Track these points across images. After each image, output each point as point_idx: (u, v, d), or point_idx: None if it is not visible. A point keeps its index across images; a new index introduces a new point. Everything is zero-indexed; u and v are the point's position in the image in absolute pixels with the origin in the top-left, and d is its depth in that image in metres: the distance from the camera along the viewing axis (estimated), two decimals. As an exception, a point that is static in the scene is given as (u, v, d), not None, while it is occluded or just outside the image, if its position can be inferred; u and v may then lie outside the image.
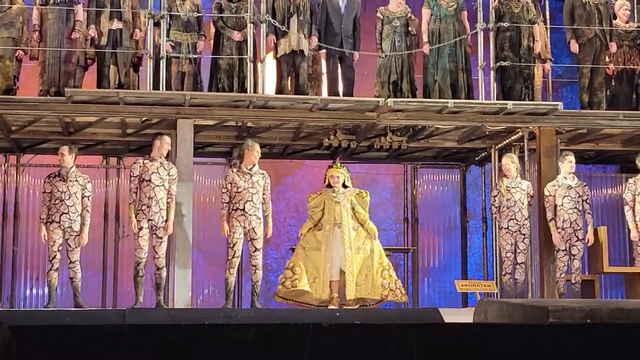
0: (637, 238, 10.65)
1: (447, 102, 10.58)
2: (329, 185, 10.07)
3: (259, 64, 10.79)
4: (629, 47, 11.73)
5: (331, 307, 9.58)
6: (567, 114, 11.13)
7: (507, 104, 10.73)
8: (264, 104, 10.59)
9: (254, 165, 10.18)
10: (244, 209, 10.05)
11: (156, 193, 9.96)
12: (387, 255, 10.23)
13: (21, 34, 10.71)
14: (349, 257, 9.85)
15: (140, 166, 10.12)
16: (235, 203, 10.09)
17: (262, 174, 10.24)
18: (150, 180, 9.98)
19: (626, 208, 10.76)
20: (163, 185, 10.05)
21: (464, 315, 6.97)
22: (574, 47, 11.39)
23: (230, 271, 10.19)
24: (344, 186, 10.16)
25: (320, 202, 10.05)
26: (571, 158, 10.61)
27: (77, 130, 11.15)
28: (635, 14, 12.51)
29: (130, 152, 12.17)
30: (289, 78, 10.94)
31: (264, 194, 10.20)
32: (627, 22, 11.76)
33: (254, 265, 10.18)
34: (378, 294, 9.87)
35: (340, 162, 10.53)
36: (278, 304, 10.57)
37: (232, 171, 10.29)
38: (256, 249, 10.12)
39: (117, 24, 10.68)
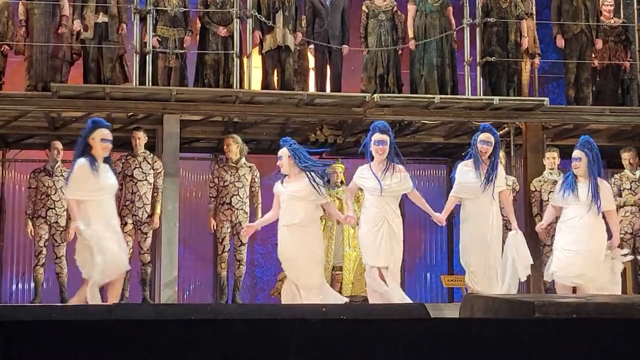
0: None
1: (434, 98, 10.59)
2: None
3: (244, 60, 10.78)
4: (614, 43, 11.76)
5: None
6: (553, 109, 11.16)
7: (493, 99, 10.75)
8: (250, 99, 10.58)
9: (240, 159, 10.20)
10: (230, 203, 10.07)
11: (139, 188, 9.96)
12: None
13: (6, 29, 10.66)
14: (347, 254, 9.89)
15: (122, 162, 10.14)
16: (222, 197, 10.12)
17: (250, 167, 10.27)
18: (132, 176, 10.00)
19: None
20: (146, 179, 10.04)
21: (450, 311, 7.01)
22: (560, 42, 11.42)
23: (222, 266, 10.23)
24: (341, 182, 10.23)
25: None
26: (550, 154, 10.65)
27: (63, 125, 11.11)
28: (621, 10, 12.54)
29: (116, 148, 12.10)
30: (275, 73, 10.93)
31: (252, 186, 10.23)
32: (610, 18, 11.78)
33: (239, 260, 10.22)
34: None
35: (332, 159, 10.54)
36: (265, 299, 10.59)
37: (219, 165, 10.32)
38: (242, 244, 10.16)
39: (102, 18, 10.63)
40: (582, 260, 8.61)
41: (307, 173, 8.12)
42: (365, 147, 8.49)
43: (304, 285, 8.12)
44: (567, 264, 8.67)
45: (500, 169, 8.93)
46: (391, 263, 8.31)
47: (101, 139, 7.88)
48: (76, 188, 7.74)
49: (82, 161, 7.74)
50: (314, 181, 8.10)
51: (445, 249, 13.44)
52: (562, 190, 8.83)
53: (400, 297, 8.28)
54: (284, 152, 8.21)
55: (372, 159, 8.43)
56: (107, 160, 8.00)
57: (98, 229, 7.64)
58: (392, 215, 8.36)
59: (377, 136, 8.34)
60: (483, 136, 8.77)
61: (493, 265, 8.74)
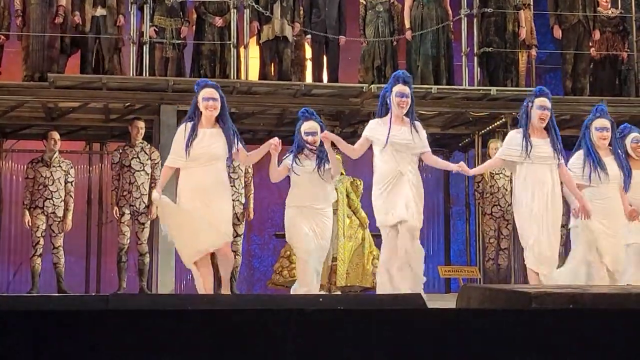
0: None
1: (431, 88, 10.59)
2: None
3: (241, 50, 10.77)
4: (612, 34, 11.75)
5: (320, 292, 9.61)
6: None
7: (490, 89, 10.75)
8: (247, 90, 10.57)
9: None
10: (225, 195, 10.07)
11: (137, 178, 9.97)
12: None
13: (2, 19, 10.64)
14: (341, 244, 9.90)
15: (120, 153, 10.15)
16: (217, 189, 10.11)
17: None
18: (130, 166, 10.00)
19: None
20: (144, 170, 10.05)
21: (447, 301, 7.00)
22: (557, 32, 11.42)
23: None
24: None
25: None
26: None
27: (60, 115, 11.10)
28: (619, 1, 12.53)
29: (113, 138, 12.13)
30: (272, 64, 10.92)
31: (245, 177, 10.25)
32: (607, 9, 11.77)
33: (234, 251, 10.23)
34: (369, 282, 9.91)
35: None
36: (262, 290, 10.60)
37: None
38: (237, 234, 10.17)
39: (100, 11, 10.64)
40: (620, 244, 7.83)
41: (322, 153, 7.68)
42: (384, 101, 7.62)
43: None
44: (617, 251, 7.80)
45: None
46: (410, 218, 7.41)
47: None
48: None
49: None
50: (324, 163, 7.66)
51: (442, 240, 13.44)
52: (588, 168, 7.85)
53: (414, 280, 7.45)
54: (316, 126, 7.74)
55: (387, 113, 7.60)
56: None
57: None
58: (410, 171, 7.49)
59: (400, 87, 7.52)
60: (540, 101, 7.73)
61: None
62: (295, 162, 7.72)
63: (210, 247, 7.31)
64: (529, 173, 7.65)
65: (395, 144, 7.46)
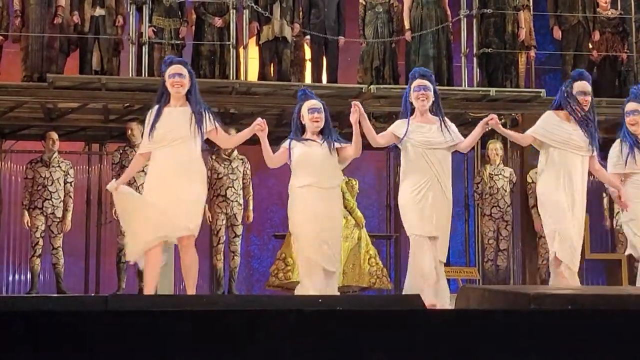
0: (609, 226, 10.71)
1: (430, 89, 10.58)
2: None
3: (241, 50, 10.77)
4: (612, 34, 11.75)
5: None
6: (550, 100, 11.06)
7: (490, 90, 10.75)
8: (247, 90, 10.58)
9: (232, 151, 10.22)
10: (225, 195, 10.10)
11: (136, 179, 9.96)
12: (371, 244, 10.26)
13: (1, 20, 10.64)
14: None
15: (120, 153, 10.17)
16: (217, 189, 10.14)
17: (242, 159, 10.29)
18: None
19: (605, 195, 10.80)
20: (143, 171, 10.04)
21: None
22: (557, 33, 11.42)
23: (217, 257, 10.28)
24: None
25: None
26: None
27: (59, 116, 11.11)
28: (618, 1, 12.54)
29: (112, 139, 12.12)
30: (272, 64, 10.93)
31: (244, 178, 10.25)
32: (607, 9, 11.77)
33: (233, 252, 10.27)
34: (366, 281, 9.91)
35: None
36: (261, 290, 10.60)
37: (212, 158, 10.33)
38: (236, 235, 10.21)
39: (99, 11, 10.64)
40: None
41: (328, 136, 7.35)
42: (406, 100, 7.41)
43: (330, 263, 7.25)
44: None
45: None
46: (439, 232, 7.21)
47: None
48: None
49: None
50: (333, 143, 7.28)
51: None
52: (626, 154, 7.58)
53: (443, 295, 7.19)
54: (319, 103, 7.42)
55: (412, 113, 7.39)
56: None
57: None
58: (441, 178, 7.25)
59: (418, 82, 7.32)
60: (579, 86, 7.45)
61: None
62: (297, 143, 7.30)
63: (159, 239, 6.79)
64: (558, 160, 7.42)
65: (426, 143, 7.24)
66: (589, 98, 7.43)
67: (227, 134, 7.35)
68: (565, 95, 7.49)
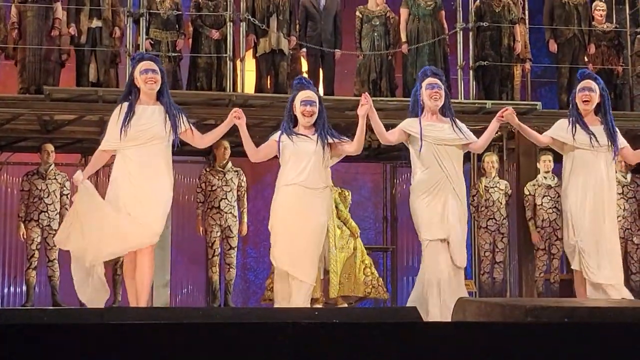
0: None
1: (427, 102, 10.59)
2: None
3: (238, 63, 10.78)
4: (607, 48, 11.78)
5: (316, 305, 9.59)
6: (545, 113, 11.17)
7: (486, 103, 10.76)
8: (243, 103, 10.57)
9: (227, 163, 10.23)
10: (219, 207, 10.10)
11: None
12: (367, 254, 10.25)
13: (-2, 32, 10.65)
14: (333, 255, 9.88)
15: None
16: (211, 202, 10.15)
17: (237, 171, 10.29)
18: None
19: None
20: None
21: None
22: (553, 46, 11.44)
23: (213, 270, 10.26)
24: None
25: None
26: (545, 157, 10.63)
27: (55, 128, 11.09)
28: (613, 15, 12.58)
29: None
30: (269, 77, 10.94)
31: (238, 190, 10.25)
32: (602, 23, 11.80)
33: (228, 264, 10.27)
34: (361, 291, 9.90)
35: None
36: (258, 303, 10.58)
37: (206, 170, 10.35)
38: (231, 247, 10.20)
39: (96, 23, 10.63)
40: None
41: (321, 130, 6.98)
42: (416, 99, 7.20)
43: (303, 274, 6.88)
44: None
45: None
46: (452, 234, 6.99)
47: None
48: None
49: None
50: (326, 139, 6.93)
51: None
52: None
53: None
54: (314, 96, 7.09)
55: (422, 111, 7.17)
56: None
57: None
58: (453, 179, 7.04)
59: (429, 80, 7.08)
60: (582, 83, 7.40)
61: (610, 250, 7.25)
62: (287, 138, 6.92)
63: (129, 249, 6.61)
64: (580, 162, 7.27)
65: (437, 139, 7.02)
66: (590, 93, 7.33)
67: (200, 134, 7.05)
68: (573, 97, 7.44)
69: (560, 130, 7.45)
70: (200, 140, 7.07)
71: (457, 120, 7.25)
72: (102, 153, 6.86)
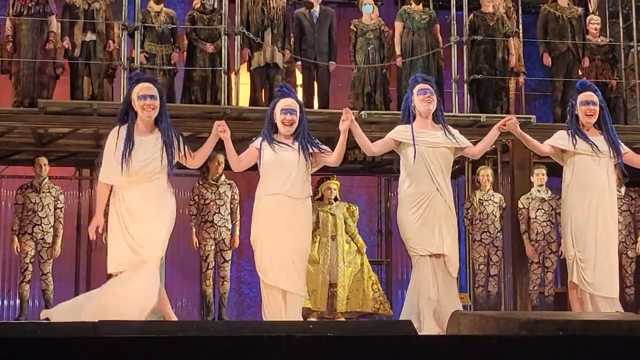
0: None
1: (421, 115, 10.59)
2: (320, 199, 10.06)
3: (232, 76, 10.79)
4: (601, 61, 11.81)
5: (311, 318, 9.57)
6: (540, 127, 11.17)
7: (480, 116, 10.77)
8: (238, 116, 10.58)
9: (220, 176, 10.23)
10: (212, 221, 10.09)
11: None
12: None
13: (-8, 45, 10.65)
14: (341, 270, 9.88)
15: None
16: (204, 215, 10.15)
17: (230, 183, 10.28)
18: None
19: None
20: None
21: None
22: (547, 60, 11.45)
23: (207, 283, 10.23)
24: (335, 199, 10.21)
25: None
26: (539, 171, 10.64)
27: (50, 141, 11.09)
28: (607, 29, 12.62)
29: (103, 164, 12.09)
30: (263, 90, 10.95)
31: (231, 203, 10.23)
32: (596, 36, 11.83)
33: (222, 277, 10.24)
34: (370, 307, 9.89)
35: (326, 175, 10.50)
36: (252, 316, 10.56)
37: (199, 183, 10.34)
38: (225, 260, 10.18)
39: (90, 36, 10.63)
40: None
41: (302, 139, 6.86)
42: (407, 106, 7.12)
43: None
44: None
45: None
46: (447, 251, 6.83)
47: None
48: None
49: None
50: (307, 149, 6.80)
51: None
52: None
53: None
54: (295, 104, 6.89)
55: (414, 118, 7.07)
56: None
57: None
58: (446, 187, 6.95)
59: (420, 86, 7.03)
60: (584, 96, 7.30)
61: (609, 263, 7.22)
62: (269, 146, 6.76)
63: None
64: (581, 170, 7.21)
65: (429, 143, 6.93)
66: (594, 107, 7.26)
67: (191, 155, 6.79)
68: (573, 109, 7.36)
69: (561, 139, 7.43)
70: (193, 162, 6.84)
71: (450, 127, 7.18)
72: (104, 187, 6.60)
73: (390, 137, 7.07)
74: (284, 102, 6.89)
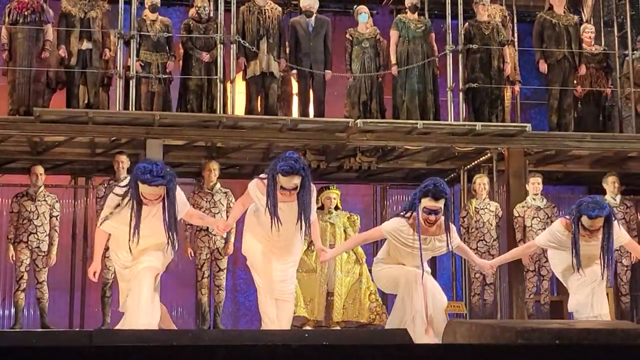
0: None
1: (417, 123, 10.61)
2: (321, 208, 10.05)
3: (228, 85, 10.79)
4: (596, 70, 11.84)
5: (307, 327, 9.56)
6: (535, 135, 11.20)
7: (476, 125, 10.78)
8: (234, 124, 10.58)
9: (215, 184, 10.23)
10: (208, 230, 10.06)
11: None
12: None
13: (-12, 54, 10.64)
14: (339, 279, 9.86)
15: (105, 187, 10.14)
16: (199, 224, 10.12)
17: (225, 192, 10.28)
18: (114, 201, 9.93)
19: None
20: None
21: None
22: (543, 67, 11.45)
23: (202, 292, 10.22)
24: (335, 208, 10.20)
25: None
26: (534, 180, 10.65)
27: (45, 149, 11.08)
28: (602, 37, 12.65)
29: (98, 172, 12.10)
30: (259, 99, 10.95)
31: (227, 211, 10.23)
32: (591, 45, 11.85)
33: (217, 286, 10.23)
34: (365, 317, 9.87)
35: (325, 184, 10.48)
36: (247, 325, 10.54)
37: (194, 192, 10.33)
38: (220, 269, 10.17)
39: (86, 44, 10.64)
40: None
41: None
42: (413, 204, 7.05)
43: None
44: None
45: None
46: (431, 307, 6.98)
47: None
48: None
49: None
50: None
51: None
52: None
53: None
54: (296, 181, 6.60)
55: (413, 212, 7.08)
56: None
57: None
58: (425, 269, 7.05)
59: (429, 203, 6.89)
60: (587, 222, 7.19)
61: None
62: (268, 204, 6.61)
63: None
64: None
65: (423, 249, 6.95)
66: (597, 234, 7.21)
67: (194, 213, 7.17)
68: (574, 219, 7.24)
69: (559, 242, 7.48)
70: (190, 219, 7.19)
71: (452, 228, 7.16)
72: (104, 233, 6.72)
73: (388, 232, 7.18)
74: (286, 181, 6.63)
